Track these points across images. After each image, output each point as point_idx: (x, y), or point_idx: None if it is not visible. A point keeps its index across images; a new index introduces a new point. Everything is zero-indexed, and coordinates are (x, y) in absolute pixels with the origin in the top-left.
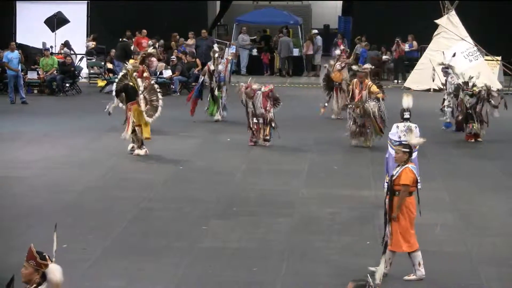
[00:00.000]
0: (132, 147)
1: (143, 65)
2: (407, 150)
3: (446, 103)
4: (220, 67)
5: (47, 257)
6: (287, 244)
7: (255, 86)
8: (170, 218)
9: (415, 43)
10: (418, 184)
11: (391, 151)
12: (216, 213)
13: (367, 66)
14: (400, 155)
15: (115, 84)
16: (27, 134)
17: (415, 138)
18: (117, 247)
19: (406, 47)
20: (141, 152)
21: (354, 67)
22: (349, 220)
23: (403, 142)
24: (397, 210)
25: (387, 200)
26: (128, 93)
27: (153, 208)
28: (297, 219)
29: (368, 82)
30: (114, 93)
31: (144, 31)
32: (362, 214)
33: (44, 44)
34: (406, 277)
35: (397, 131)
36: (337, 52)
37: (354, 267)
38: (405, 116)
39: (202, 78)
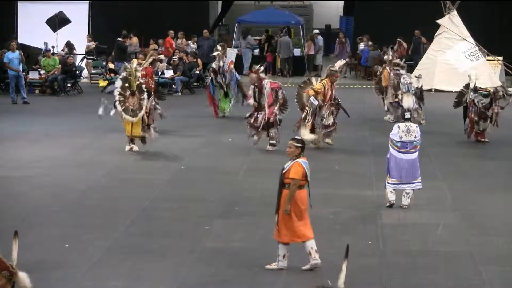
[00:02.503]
0: (131, 148)
1: (151, 66)
2: (300, 145)
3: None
4: (221, 63)
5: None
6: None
7: (263, 75)
8: (173, 218)
9: (370, 43)
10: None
11: (392, 151)
12: (219, 213)
13: (341, 64)
14: (292, 150)
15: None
16: (28, 134)
17: (308, 134)
18: (120, 247)
19: (361, 45)
20: (127, 148)
21: (336, 67)
22: (350, 219)
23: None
24: (287, 203)
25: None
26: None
27: (155, 208)
28: None
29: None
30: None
31: (171, 32)
32: (363, 214)
33: (45, 44)
34: (267, 266)
35: (398, 131)
36: (388, 57)
37: (356, 266)
38: (406, 116)
39: (210, 77)
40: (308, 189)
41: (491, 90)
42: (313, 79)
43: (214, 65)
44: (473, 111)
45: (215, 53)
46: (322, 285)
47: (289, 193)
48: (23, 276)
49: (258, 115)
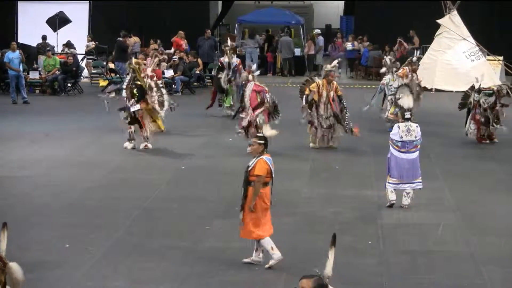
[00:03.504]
0: (145, 145)
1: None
2: (262, 142)
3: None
4: (234, 59)
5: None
6: (290, 243)
7: (250, 77)
8: (173, 218)
9: (356, 43)
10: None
11: (393, 151)
12: (219, 213)
13: (335, 63)
14: (255, 147)
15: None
16: (29, 134)
17: (269, 131)
18: (120, 247)
19: (349, 45)
20: (149, 145)
21: (329, 67)
22: (351, 219)
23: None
24: (253, 199)
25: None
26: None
27: (156, 208)
28: (300, 219)
29: (335, 83)
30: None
31: (181, 32)
32: (364, 213)
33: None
34: (266, 265)
35: (398, 131)
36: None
37: (356, 266)
38: (406, 116)
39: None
40: (271, 186)
41: (495, 88)
42: (316, 78)
43: (224, 59)
44: (478, 113)
45: (227, 48)
46: (311, 274)
47: (254, 190)
48: (15, 267)
49: (244, 116)
